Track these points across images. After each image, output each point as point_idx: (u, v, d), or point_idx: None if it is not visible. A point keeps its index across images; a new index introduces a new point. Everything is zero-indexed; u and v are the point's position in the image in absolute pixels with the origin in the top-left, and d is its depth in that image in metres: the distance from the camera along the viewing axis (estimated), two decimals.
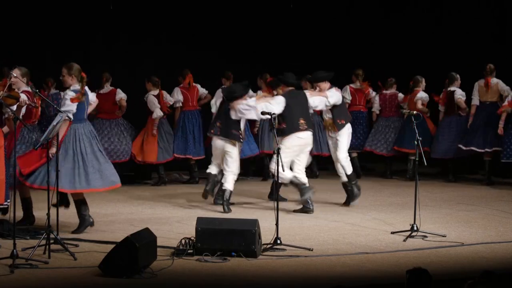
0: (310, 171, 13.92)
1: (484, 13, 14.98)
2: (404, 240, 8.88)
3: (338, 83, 14.22)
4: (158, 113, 13.09)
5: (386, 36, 15.61)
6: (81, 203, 9.26)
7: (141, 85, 13.51)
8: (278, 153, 8.78)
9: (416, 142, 9.25)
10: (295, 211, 10.70)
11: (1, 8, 13.47)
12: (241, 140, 10.94)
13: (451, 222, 9.96)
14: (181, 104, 13.47)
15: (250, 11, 15.05)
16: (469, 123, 13.20)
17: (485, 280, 5.44)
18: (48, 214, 8.28)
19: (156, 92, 13.15)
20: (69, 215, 10.15)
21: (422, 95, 13.63)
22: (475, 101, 13.22)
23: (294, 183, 10.64)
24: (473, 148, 13.08)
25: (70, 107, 8.91)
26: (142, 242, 7.37)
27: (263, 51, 14.96)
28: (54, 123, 8.26)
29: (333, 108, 11.04)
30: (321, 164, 14.54)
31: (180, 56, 14.53)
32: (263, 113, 10.01)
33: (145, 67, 14.29)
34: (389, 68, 14.82)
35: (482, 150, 13.04)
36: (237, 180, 12.79)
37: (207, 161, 13.54)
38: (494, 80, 13.11)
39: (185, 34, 14.79)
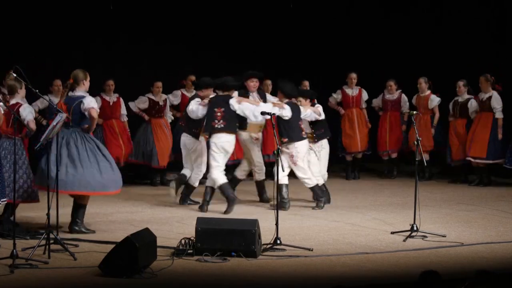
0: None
1: (484, 13, 14.96)
2: (404, 240, 8.88)
3: (337, 83, 14.31)
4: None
5: (386, 36, 15.60)
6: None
7: (141, 85, 13.51)
8: (278, 154, 8.79)
9: (416, 142, 9.26)
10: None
11: (1, 8, 13.46)
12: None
13: (451, 222, 9.96)
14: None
15: (250, 11, 15.03)
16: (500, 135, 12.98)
17: (480, 280, 5.44)
18: (48, 214, 8.30)
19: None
20: (69, 215, 10.17)
21: (436, 99, 13.65)
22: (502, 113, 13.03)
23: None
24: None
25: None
26: (142, 242, 7.38)
27: (263, 51, 14.95)
28: (54, 123, 8.27)
29: (315, 122, 11.24)
30: None
31: (180, 56, 14.52)
32: (262, 113, 10.04)
33: (145, 67, 14.28)
34: (389, 68, 14.82)
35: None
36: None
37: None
38: None
39: (185, 34, 14.78)
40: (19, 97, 9.22)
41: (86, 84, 9.27)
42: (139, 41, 14.49)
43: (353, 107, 14.10)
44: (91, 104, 9.12)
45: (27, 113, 9.10)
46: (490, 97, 12.98)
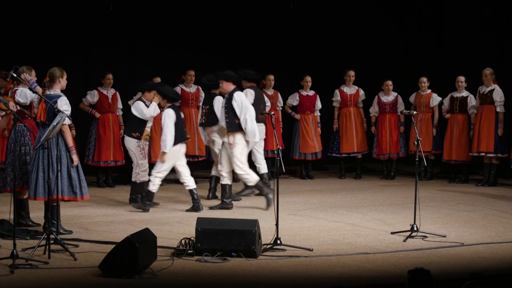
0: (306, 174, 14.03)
1: (485, 12, 14.98)
2: (404, 240, 8.88)
3: (337, 83, 14.30)
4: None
5: (386, 36, 15.63)
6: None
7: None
8: (278, 154, 8.78)
9: (416, 142, 9.26)
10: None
11: (1, 10, 13.47)
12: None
13: (451, 222, 9.95)
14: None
15: (250, 11, 15.04)
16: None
17: (476, 282, 5.44)
18: (48, 215, 8.30)
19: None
20: (69, 215, 10.18)
21: (437, 98, 13.63)
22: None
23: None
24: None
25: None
26: (142, 242, 7.38)
27: (263, 51, 14.96)
28: (54, 123, 8.26)
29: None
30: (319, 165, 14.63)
31: (180, 57, 14.52)
32: (263, 113, 10.07)
33: (145, 68, 14.27)
34: (388, 68, 14.82)
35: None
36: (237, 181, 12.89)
37: (207, 161, 13.62)
38: None
39: (186, 35, 14.78)
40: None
41: (63, 82, 9.15)
42: (139, 42, 14.51)
43: (351, 105, 14.09)
44: (64, 107, 9.01)
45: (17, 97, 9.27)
46: (492, 90, 12.98)
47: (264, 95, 12.70)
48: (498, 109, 12.95)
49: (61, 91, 9.11)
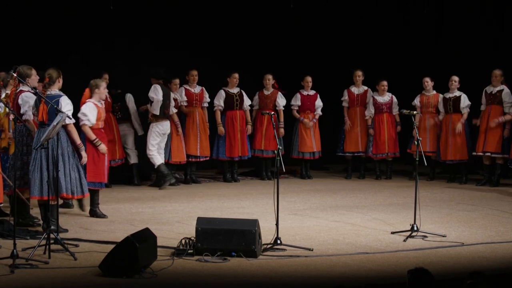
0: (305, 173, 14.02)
1: (484, 15, 14.98)
2: (404, 240, 8.88)
3: (338, 84, 14.30)
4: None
5: (386, 36, 15.63)
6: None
7: (140, 85, 13.48)
8: (278, 154, 8.76)
9: (416, 142, 9.26)
10: None
11: (1, 10, 13.46)
12: None
13: (451, 222, 9.96)
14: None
15: (250, 11, 15.03)
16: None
17: (475, 281, 5.43)
18: (48, 215, 8.30)
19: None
20: (69, 215, 10.19)
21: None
22: None
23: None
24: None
25: None
26: (142, 242, 7.38)
27: (263, 51, 14.96)
28: (54, 123, 8.26)
29: None
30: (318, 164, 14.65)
31: (180, 56, 14.52)
32: (262, 112, 10.05)
33: (144, 68, 14.27)
34: (388, 69, 14.83)
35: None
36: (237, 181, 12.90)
37: (207, 161, 13.63)
38: None
39: (186, 34, 14.77)
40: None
41: (61, 82, 9.32)
42: (139, 42, 14.50)
43: (357, 105, 14.05)
44: (67, 107, 9.06)
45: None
46: (501, 91, 12.95)
47: (170, 93, 12.88)
48: (506, 111, 12.90)
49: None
